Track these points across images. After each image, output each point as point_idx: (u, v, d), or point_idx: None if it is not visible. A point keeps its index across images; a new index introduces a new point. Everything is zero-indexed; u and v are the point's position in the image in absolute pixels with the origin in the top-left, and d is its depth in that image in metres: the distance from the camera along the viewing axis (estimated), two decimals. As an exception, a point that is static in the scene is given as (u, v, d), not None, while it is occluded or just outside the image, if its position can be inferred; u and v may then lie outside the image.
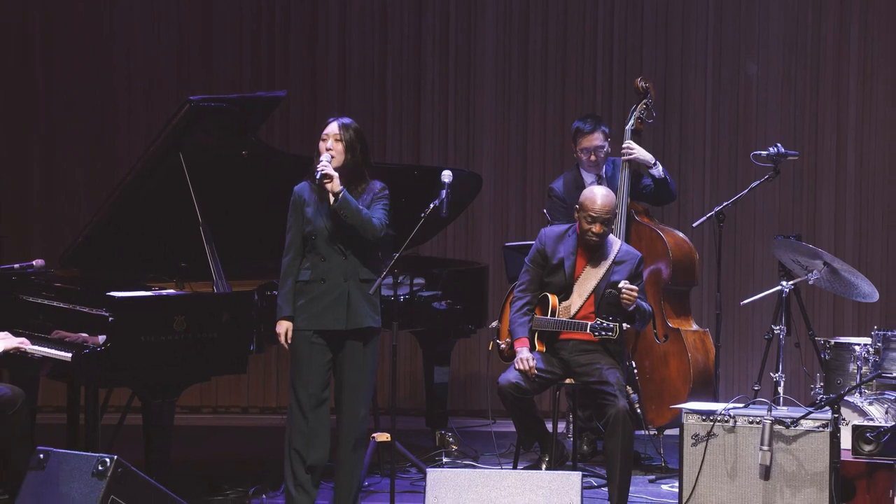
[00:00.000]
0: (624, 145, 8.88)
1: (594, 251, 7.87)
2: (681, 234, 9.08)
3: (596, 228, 7.79)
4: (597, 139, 8.94)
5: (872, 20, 10.39)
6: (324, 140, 7.56)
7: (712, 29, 10.49)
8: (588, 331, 7.70)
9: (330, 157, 7.50)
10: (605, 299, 7.80)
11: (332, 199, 7.42)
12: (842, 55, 10.42)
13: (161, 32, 10.75)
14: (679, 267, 8.97)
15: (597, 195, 7.83)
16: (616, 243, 7.97)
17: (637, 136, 9.00)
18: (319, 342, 7.59)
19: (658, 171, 8.91)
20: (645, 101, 9.02)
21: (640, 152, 8.88)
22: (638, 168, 8.90)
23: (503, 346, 8.12)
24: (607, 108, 10.07)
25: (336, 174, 7.44)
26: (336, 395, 7.69)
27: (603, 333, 7.65)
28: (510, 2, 10.64)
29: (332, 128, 7.57)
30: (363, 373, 7.64)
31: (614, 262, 7.86)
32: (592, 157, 8.93)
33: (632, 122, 9.00)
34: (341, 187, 7.44)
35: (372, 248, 7.59)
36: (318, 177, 7.43)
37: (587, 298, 7.84)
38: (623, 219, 8.85)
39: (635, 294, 7.64)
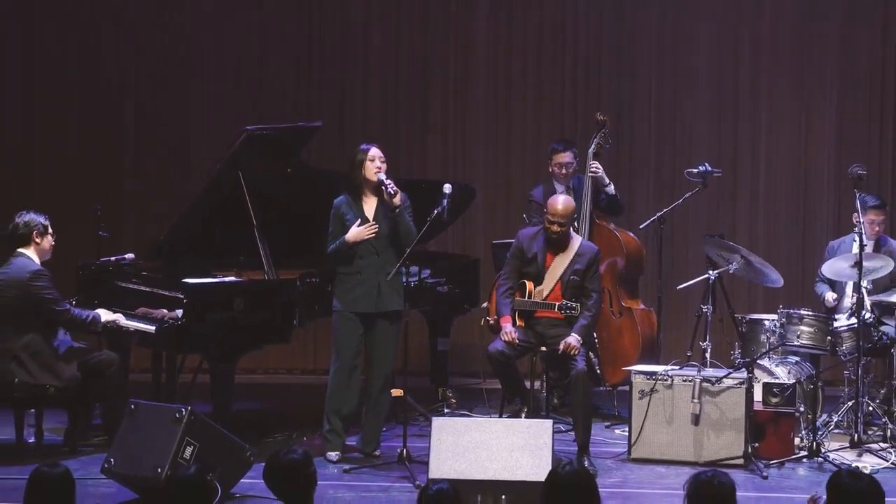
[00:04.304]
0: (592, 165, 8.91)
1: (558, 245, 7.87)
2: (632, 235, 9.10)
3: (555, 228, 7.80)
4: (567, 157, 8.96)
5: (779, 65, 10.41)
6: (372, 160, 7.59)
7: (654, 74, 10.51)
8: (556, 310, 7.75)
9: (385, 176, 7.56)
10: (569, 284, 7.81)
11: (394, 210, 7.49)
12: (755, 93, 10.43)
13: (225, 71, 10.76)
14: (631, 260, 9.00)
15: (558, 203, 7.84)
16: (578, 240, 7.97)
17: (597, 159, 9.02)
18: (355, 320, 7.64)
19: (611, 189, 8.97)
20: (603, 130, 9.00)
21: (601, 173, 8.93)
22: (597, 185, 8.95)
23: (491, 321, 8.15)
24: (573, 135, 10.08)
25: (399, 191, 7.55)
26: (367, 359, 7.74)
27: (568, 311, 7.71)
28: (497, 49, 10.63)
29: (378, 152, 7.61)
30: (389, 343, 7.71)
31: (576, 255, 7.85)
32: (563, 171, 8.96)
33: (593, 147, 8.97)
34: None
35: (394, 248, 7.64)
36: (392, 192, 7.48)
37: (556, 284, 7.84)
38: (587, 222, 8.89)
39: (575, 348, 7.64)
